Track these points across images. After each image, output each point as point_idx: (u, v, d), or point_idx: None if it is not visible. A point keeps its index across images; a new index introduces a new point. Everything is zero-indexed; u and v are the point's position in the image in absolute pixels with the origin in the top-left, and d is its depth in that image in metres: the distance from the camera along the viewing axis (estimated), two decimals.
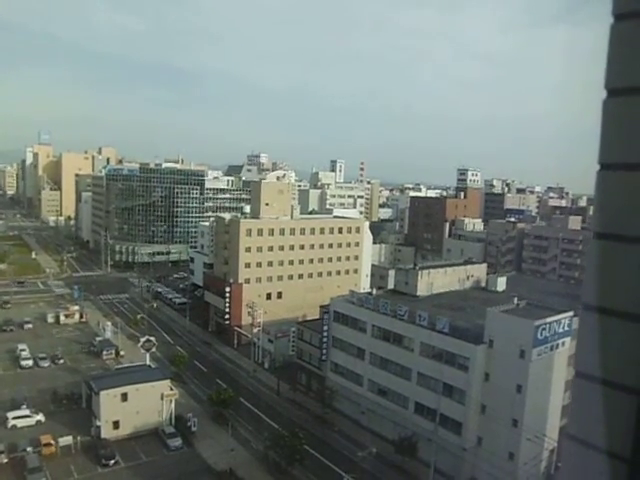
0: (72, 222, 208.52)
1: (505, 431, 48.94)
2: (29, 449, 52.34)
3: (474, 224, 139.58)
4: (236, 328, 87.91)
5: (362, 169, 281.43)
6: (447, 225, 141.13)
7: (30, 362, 75.44)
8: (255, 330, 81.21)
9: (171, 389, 61.58)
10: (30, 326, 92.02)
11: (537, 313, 50.90)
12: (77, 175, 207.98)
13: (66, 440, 53.75)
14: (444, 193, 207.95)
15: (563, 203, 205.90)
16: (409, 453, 53.01)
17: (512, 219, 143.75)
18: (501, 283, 71.93)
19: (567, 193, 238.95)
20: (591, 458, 2.32)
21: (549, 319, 49.13)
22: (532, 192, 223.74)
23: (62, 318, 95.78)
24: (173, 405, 60.89)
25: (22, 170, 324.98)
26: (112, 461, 52.00)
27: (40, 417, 59.47)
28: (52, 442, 53.41)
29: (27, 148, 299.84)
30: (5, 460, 50.97)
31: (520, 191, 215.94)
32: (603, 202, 2.40)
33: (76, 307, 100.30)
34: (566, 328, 50.52)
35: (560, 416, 51.34)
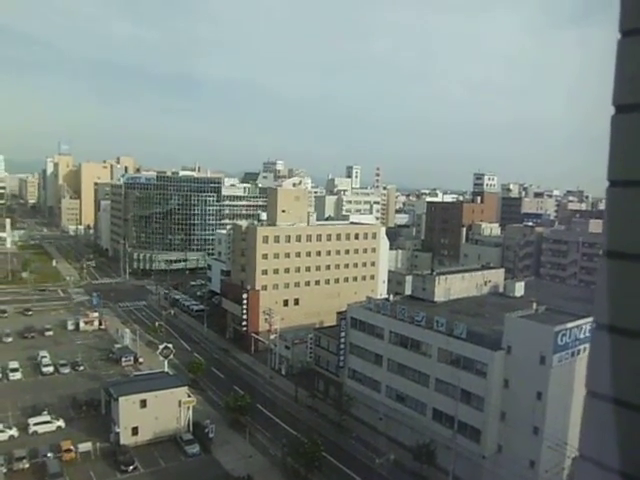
0: (91, 231, 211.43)
1: (526, 439, 48.22)
2: (50, 455, 52.94)
3: (491, 229, 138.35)
4: (253, 335, 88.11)
5: (378, 175, 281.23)
6: (464, 230, 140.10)
7: (51, 369, 76.46)
8: (272, 337, 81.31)
9: (189, 396, 61.88)
10: (51, 333, 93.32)
11: (557, 319, 50.18)
12: (96, 184, 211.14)
13: (86, 446, 54.32)
14: (461, 198, 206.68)
15: (583, 207, 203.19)
16: (427, 460, 52.48)
17: (530, 223, 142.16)
18: (519, 288, 71.11)
19: (587, 197, 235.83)
20: (603, 478, 2.27)
21: (570, 325, 48.41)
22: (550, 196, 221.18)
23: (82, 325, 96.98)
24: (191, 412, 61.14)
25: (43, 180, 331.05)
26: (131, 467, 52.38)
27: (60, 423, 60.18)
28: (72, 448, 53.97)
29: (48, 158, 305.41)
30: (27, 465, 51.65)
31: (538, 195, 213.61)
32: (613, 219, 2.35)
33: (95, 314, 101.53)
34: (587, 334, 49.70)
35: None
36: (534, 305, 54.77)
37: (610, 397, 2.31)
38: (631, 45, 2.21)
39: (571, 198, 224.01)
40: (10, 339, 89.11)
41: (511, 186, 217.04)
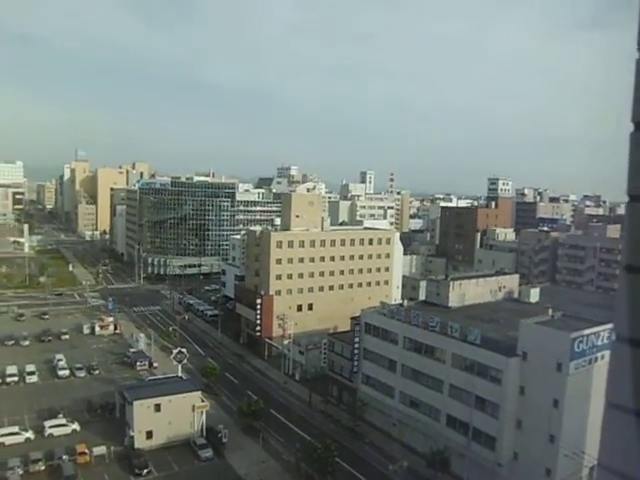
0: (107, 236, 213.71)
1: (542, 447, 47.58)
2: (65, 457, 53.39)
3: (505, 234, 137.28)
4: (267, 340, 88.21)
5: (392, 180, 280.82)
6: (478, 235, 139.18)
7: (67, 372, 77.25)
8: (286, 342, 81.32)
9: (202, 400, 62.02)
10: (67, 337, 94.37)
11: (574, 325, 49.56)
12: (112, 189, 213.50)
13: (100, 449, 54.72)
14: (475, 203, 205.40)
15: (600, 211, 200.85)
16: (441, 467, 51.97)
17: (545, 228, 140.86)
18: (534, 294, 70.39)
19: (604, 201, 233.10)
20: None
21: (587, 331, 47.74)
22: (566, 201, 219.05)
23: (97, 329, 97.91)
24: (204, 416, 61.26)
25: (60, 185, 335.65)
26: (145, 471, 52.57)
27: (75, 426, 60.69)
28: (87, 451, 54.39)
29: (65, 164, 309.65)
30: (42, 467, 52.16)
31: (553, 200, 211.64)
32: (633, 234, 2.34)
33: (110, 319, 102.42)
34: (605, 341, 48.95)
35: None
36: (550, 311, 54.15)
37: (630, 408, 2.30)
38: None
39: (588, 203, 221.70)
40: (27, 342, 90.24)
41: (526, 191, 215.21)
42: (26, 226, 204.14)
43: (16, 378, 74.06)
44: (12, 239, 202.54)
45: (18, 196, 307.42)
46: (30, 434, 58.43)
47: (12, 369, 75.62)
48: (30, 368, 76.64)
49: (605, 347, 49.09)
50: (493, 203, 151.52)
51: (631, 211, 2.37)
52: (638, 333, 2.28)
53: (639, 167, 2.28)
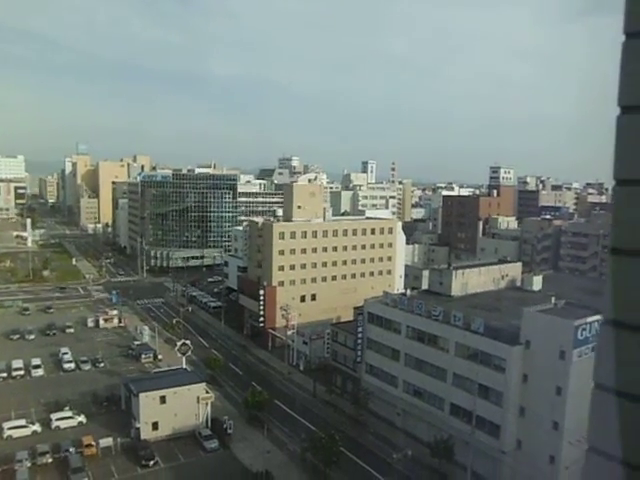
0: (109, 229, 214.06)
1: (545, 434, 47.77)
2: (72, 450, 53.88)
3: (508, 222, 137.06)
4: (270, 331, 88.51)
5: (393, 169, 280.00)
6: (480, 224, 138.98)
7: (72, 365, 77.76)
8: (289, 332, 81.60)
9: (207, 392, 62.39)
10: (72, 330, 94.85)
11: (577, 313, 49.48)
12: (114, 183, 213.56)
13: (107, 441, 55.17)
14: (477, 192, 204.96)
15: (603, 199, 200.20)
16: (445, 456, 52.26)
17: (548, 216, 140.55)
18: (537, 282, 70.31)
19: (607, 189, 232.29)
20: (610, 469, 2.30)
21: (590, 319, 47.69)
22: (569, 189, 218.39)
23: (102, 322, 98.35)
24: (209, 408, 61.66)
25: (62, 179, 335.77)
26: (151, 462, 53.05)
27: (82, 419, 61.19)
28: (93, 443, 54.87)
29: (66, 158, 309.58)
30: (50, 460, 52.66)
31: (556, 188, 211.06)
32: (619, 218, 2.40)
33: (115, 312, 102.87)
34: None
35: None
36: (553, 299, 54.10)
37: (616, 390, 2.36)
38: (636, 46, 2.22)
39: (590, 190, 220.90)
40: (32, 336, 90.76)
41: (528, 179, 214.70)
42: (29, 220, 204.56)
43: (22, 372, 74.60)
44: (15, 233, 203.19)
45: (20, 190, 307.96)
46: (37, 427, 58.98)
47: (18, 363, 76.16)
48: (36, 362, 77.15)
49: None
50: (495, 191, 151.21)
51: (617, 195, 2.44)
52: (623, 315, 2.32)
53: (625, 151, 2.33)
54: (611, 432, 2.33)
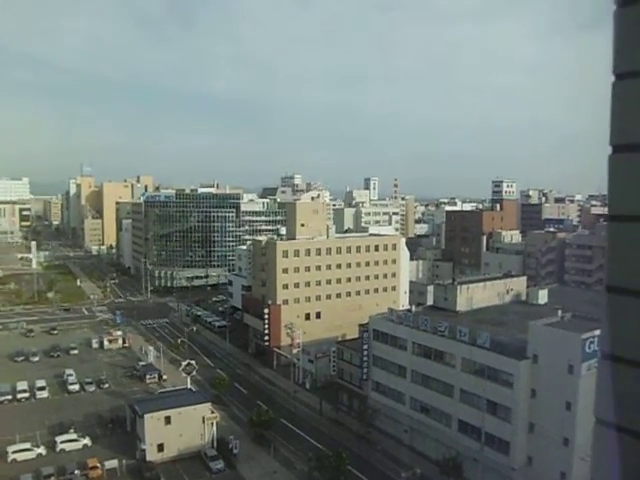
0: (114, 250, 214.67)
1: (556, 450, 47.12)
2: (77, 472, 53.45)
3: (512, 236, 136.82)
4: (275, 349, 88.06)
5: (396, 186, 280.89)
6: (484, 238, 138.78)
7: (77, 387, 77.38)
8: (295, 351, 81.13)
9: (212, 412, 61.93)
10: (76, 351, 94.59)
11: (584, 326, 49.11)
12: (117, 203, 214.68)
13: (112, 463, 54.67)
14: (480, 206, 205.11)
15: (607, 210, 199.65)
16: (454, 474, 51.55)
17: (551, 229, 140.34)
18: (542, 296, 70.00)
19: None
20: None
21: (598, 332, 47.32)
22: (572, 201, 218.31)
23: (106, 343, 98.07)
24: (215, 428, 61.14)
25: (66, 201, 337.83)
26: None
27: (87, 441, 60.67)
28: (98, 465, 54.37)
29: (71, 180, 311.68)
30: None
31: (559, 200, 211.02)
32: (616, 184, 2.44)
33: (119, 332, 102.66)
34: None
35: None
36: (559, 312, 53.81)
37: (618, 425, 2.36)
38: (628, 13, 2.29)
39: (594, 202, 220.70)
40: (37, 358, 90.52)
41: (530, 192, 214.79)
42: (34, 243, 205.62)
43: (27, 394, 74.25)
44: (20, 255, 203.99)
45: (25, 212, 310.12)
46: (42, 450, 58.49)
47: (22, 385, 75.83)
48: (40, 383, 76.81)
49: None
50: (498, 205, 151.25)
51: (613, 162, 2.50)
52: (620, 350, 2.33)
53: (620, 117, 2.37)
54: (614, 468, 2.34)
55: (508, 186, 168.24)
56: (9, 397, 73.20)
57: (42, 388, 75.78)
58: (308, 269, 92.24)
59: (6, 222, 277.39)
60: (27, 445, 58.68)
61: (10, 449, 57.51)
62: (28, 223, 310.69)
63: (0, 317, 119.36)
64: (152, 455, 57.01)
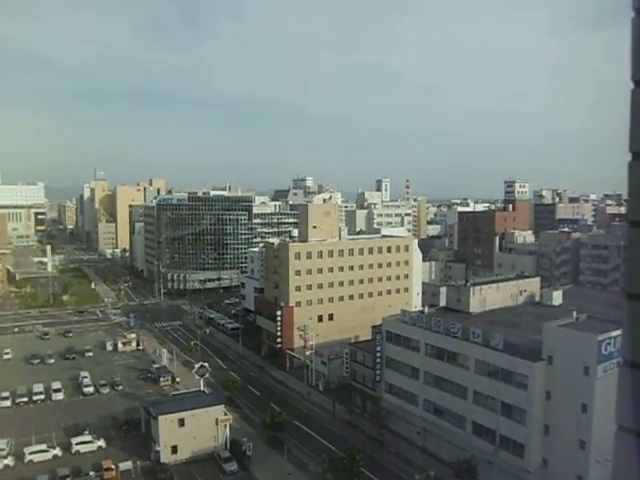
0: (127, 253, 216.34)
1: (572, 453, 46.57)
2: (92, 473, 53.85)
3: (524, 236, 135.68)
4: (288, 351, 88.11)
5: (408, 187, 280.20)
6: (497, 239, 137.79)
7: (91, 389, 78.06)
8: (307, 353, 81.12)
9: (225, 414, 62.09)
10: (90, 354, 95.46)
11: (600, 327, 48.54)
12: (131, 206, 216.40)
13: (126, 465, 55.06)
14: (492, 207, 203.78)
15: (622, 210, 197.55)
16: (469, 476, 51.14)
17: (566, 229, 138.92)
18: (557, 297, 69.24)
19: (626, 200, 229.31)
20: None
21: (614, 333, 46.72)
22: (587, 201, 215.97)
23: (120, 346, 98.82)
24: (228, 430, 61.30)
25: (80, 205, 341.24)
26: None
27: (101, 443, 61.15)
28: (113, 467, 54.74)
29: (84, 184, 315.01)
30: None
31: (573, 200, 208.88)
32: (636, 190, 2.39)
33: (133, 335, 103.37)
34: None
35: None
36: (574, 313, 53.21)
37: (638, 432, 2.30)
38: None
39: (609, 202, 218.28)
40: (52, 360, 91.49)
41: (544, 192, 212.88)
42: (49, 247, 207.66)
43: (42, 396, 75.05)
44: (36, 259, 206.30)
45: (40, 217, 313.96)
46: (57, 451, 59.09)
47: (38, 387, 76.70)
48: (56, 386, 77.63)
49: None
50: (510, 206, 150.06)
51: (633, 168, 2.45)
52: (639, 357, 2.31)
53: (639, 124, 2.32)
54: (635, 473, 2.28)
55: (521, 186, 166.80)
56: (25, 399, 74.04)
57: (57, 390, 76.56)
58: (320, 271, 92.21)
59: (22, 226, 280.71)
60: (43, 446, 59.32)
61: (27, 450, 58.21)
62: (43, 227, 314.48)
63: (16, 320, 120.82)
64: (166, 457, 57.29)
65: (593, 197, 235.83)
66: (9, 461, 56.80)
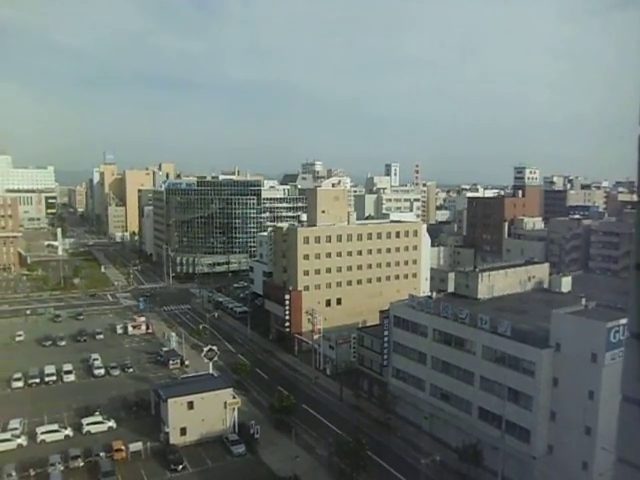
0: (136, 237, 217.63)
1: (578, 439, 46.67)
2: (102, 454, 54.87)
3: (534, 223, 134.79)
4: (296, 335, 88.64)
5: (417, 172, 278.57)
6: (506, 225, 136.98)
7: (102, 371, 79.15)
8: (315, 337, 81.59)
9: (234, 397, 62.74)
10: (101, 337, 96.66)
11: (609, 314, 48.31)
12: (140, 190, 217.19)
13: (136, 446, 55.96)
14: (502, 192, 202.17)
15: (635, 197, 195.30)
16: (474, 461, 51.44)
17: (577, 216, 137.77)
18: (566, 283, 68.89)
19: (639, 187, 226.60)
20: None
21: (623, 320, 46.49)
22: (598, 188, 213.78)
23: (130, 329, 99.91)
24: (236, 413, 62.00)
25: (90, 189, 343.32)
26: (180, 466, 53.58)
27: (112, 423, 62.18)
28: (123, 448, 55.71)
29: (94, 168, 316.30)
30: (81, 464, 53.70)
31: (585, 187, 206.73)
32: None
33: (142, 318, 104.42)
34: None
35: None
36: (583, 300, 52.96)
37: None
38: None
39: (621, 189, 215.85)
40: (64, 342, 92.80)
41: (554, 179, 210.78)
42: (59, 230, 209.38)
43: (54, 377, 76.27)
44: (46, 243, 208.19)
45: (51, 201, 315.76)
46: (69, 431, 60.24)
47: (50, 369, 77.91)
48: (67, 367, 78.83)
49: None
50: (520, 192, 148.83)
51: None
52: None
53: None
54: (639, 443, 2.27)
55: (531, 172, 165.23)
56: (37, 380, 75.25)
57: (69, 372, 77.75)
58: (329, 255, 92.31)
59: (33, 210, 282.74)
60: (55, 427, 60.44)
61: (39, 430, 59.36)
62: (54, 211, 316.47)
63: (28, 303, 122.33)
64: (175, 438, 58.14)
65: (605, 184, 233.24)
66: (22, 440, 58.02)
